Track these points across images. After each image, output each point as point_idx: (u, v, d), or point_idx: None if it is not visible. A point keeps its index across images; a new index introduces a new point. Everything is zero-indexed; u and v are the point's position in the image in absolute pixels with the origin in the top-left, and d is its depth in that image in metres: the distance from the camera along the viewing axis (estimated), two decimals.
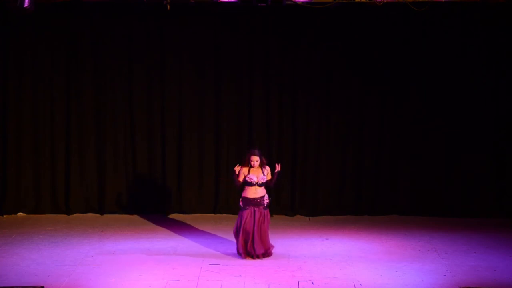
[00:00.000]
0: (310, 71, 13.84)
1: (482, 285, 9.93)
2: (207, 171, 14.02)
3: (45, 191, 14.00)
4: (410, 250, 11.69)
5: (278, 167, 11.20)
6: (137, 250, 11.65)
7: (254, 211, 11.09)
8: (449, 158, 13.83)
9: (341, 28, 13.70)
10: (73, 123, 13.93)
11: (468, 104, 13.74)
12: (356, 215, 13.86)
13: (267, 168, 11.22)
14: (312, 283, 10.09)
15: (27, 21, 13.39)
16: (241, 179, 11.13)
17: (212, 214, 14.00)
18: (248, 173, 11.10)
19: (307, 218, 13.86)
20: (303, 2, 13.11)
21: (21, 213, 13.98)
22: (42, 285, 9.82)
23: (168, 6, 12.86)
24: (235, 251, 11.32)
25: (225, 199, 13.97)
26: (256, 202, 11.11)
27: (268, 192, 11.30)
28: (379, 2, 12.90)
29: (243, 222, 11.07)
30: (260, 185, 11.11)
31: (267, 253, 11.18)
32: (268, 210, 11.23)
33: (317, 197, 13.99)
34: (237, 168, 11.13)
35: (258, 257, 11.07)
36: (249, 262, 10.99)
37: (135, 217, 13.81)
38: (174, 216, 13.91)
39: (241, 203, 11.18)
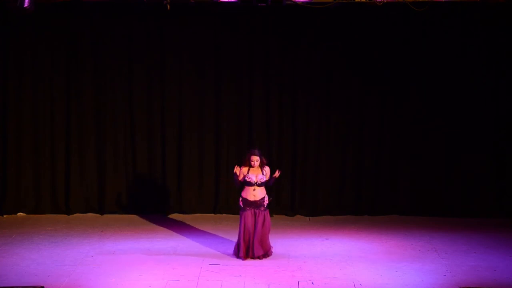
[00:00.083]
0: (310, 71, 13.84)
1: (482, 285, 9.93)
2: (207, 171, 14.02)
3: (45, 191, 14.00)
4: (410, 250, 11.69)
5: (277, 173, 11.17)
6: (137, 250, 11.65)
7: (255, 213, 11.08)
8: (449, 158, 13.83)
9: (341, 28, 13.70)
10: (73, 123, 13.93)
11: (468, 104, 13.74)
12: (356, 215, 13.86)
13: (267, 168, 11.22)
14: (312, 283, 10.09)
15: (27, 21, 13.39)
16: (240, 178, 11.13)
17: (212, 214, 14.00)
18: (248, 173, 11.10)
19: (307, 218, 13.85)
20: (303, 2, 13.11)
21: (21, 213, 13.98)
22: (42, 285, 9.82)
23: (168, 6, 12.86)
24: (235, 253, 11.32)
25: (225, 199, 13.97)
26: (257, 204, 11.10)
27: (268, 192, 11.29)
28: (379, 2, 12.90)
29: (244, 224, 11.05)
30: (259, 184, 11.11)
31: (267, 254, 11.18)
32: (268, 210, 11.22)
33: (317, 197, 13.99)
34: (236, 169, 11.12)
35: (258, 257, 11.07)
36: (249, 262, 10.98)
37: (135, 217, 13.81)
38: (174, 216, 13.91)
39: (241, 203, 11.17)
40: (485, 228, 12.96)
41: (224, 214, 13.89)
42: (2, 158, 13.91)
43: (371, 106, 13.87)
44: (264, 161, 11.24)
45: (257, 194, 11.10)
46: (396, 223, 13.41)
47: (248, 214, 11.07)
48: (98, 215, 13.97)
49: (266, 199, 11.17)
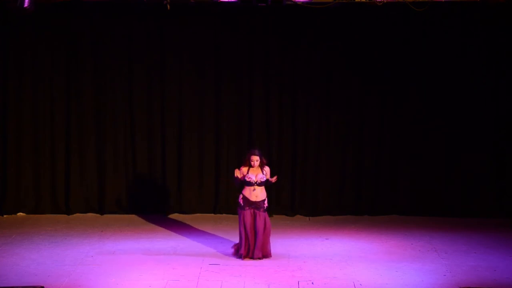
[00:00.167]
0: (310, 71, 13.84)
1: (482, 285, 9.92)
2: (207, 171, 14.02)
3: (45, 191, 14.00)
4: (410, 250, 11.69)
5: (274, 179, 11.16)
6: (137, 250, 11.64)
7: (255, 213, 11.08)
8: (449, 158, 13.83)
9: (341, 28, 13.71)
10: (73, 123, 13.93)
11: (468, 104, 13.74)
12: (356, 215, 13.86)
13: (267, 168, 11.21)
14: (312, 283, 10.09)
15: (27, 21, 13.39)
16: (240, 178, 11.12)
17: (212, 214, 14.00)
18: (248, 173, 11.09)
19: (307, 218, 13.86)
20: (303, 2, 13.11)
21: (21, 213, 13.98)
22: (42, 285, 9.81)
23: (168, 6, 12.86)
24: (234, 252, 11.32)
25: (225, 199, 13.97)
26: (257, 205, 11.09)
27: (268, 192, 11.28)
28: (379, 2, 12.90)
29: (244, 222, 11.04)
30: (259, 184, 11.10)
31: (266, 256, 11.16)
32: (267, 212, 11.20)
33: (317, 197, 13.99)
34: (237, 173, 11.12)
35: (259, 258, 11.06)
36: (249, 262, 10.98)
37: (135, 217, 13.81)
38: (174, 216, 13.91)
39: (241, 201, 11.14)
40: (485, 228, 12.96)
41: (224, 214, 13.90)
42: (2, 158, 13.91)
43: (371, 106, 13.87)
44: (264, 161, 11.23)
45: (258, 194, 11.08)
46: (396, 223, 13.41)
47: (248, 213, 11.06)
48: (98, 215, 13.97)
49: (267, 202, 11.16)
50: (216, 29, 13.79)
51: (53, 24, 13.75)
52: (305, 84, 13.87)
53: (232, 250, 11.37)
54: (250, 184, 11.08)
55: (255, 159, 11.11)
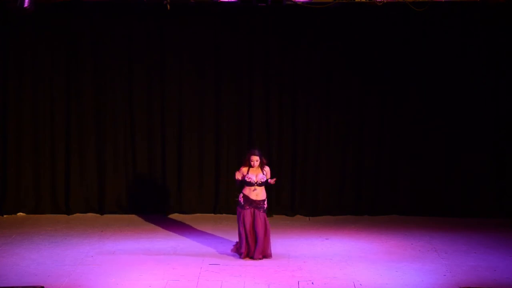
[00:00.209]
0: (310, 71, 13.85)
1: (482, 285, 9.92)
2: (207, 171, 14.02)
3: (45, 191, 14.00)
4: (410, 250, 11.69)
5: (273, 181, 11.16)
6: (137, 250, 11.64)
7: (254, 213, 11.08)
8: (449, 158, 13.83)
9: (341, 28, 13.71)
10: (73, 123, 13.93)
11: (468, 104, 13.74)
12: (356, 215, 13.86)
13: (267, 168, 11.21)
14: (312, 283, 10.09)
15: (27, 21, 13.39)
16: (240, 178, 11.12)
17: (212, 214, 14.00)
18: (248, 173, 11.09)
19: (307, 218, 13.85)
20: (303, 2, 13.11)
21: (21, 213, 13.98)
22: (42, 285, 9.82)
23: (168, 6, 12.86)
24: (235, 251, 11.32)
25: (225, 199, 13.97)
26: (257, 204, 11.09)
27: (268, 192, 11.29)
28: (379, 2, 12.90)
29: (244, 221, 11.04)
30: (260, 184, 11.10)
31: (266, 257, 11.16)
32: (265, 213, 11.20)
33: (317, 197, 13.99)
34: (238, 175, 11.12)
35: (259, 259, 11.06)
36: (249, 262, 10.98)
37: (135, 217, 13.81)
38: (174, 216, 13.91)
39: (241, 199, 11.13)
40: (485, 228, 12.96)
41: (224, 214, 13.89)
42: (2, 158, 13.91)
43: (371, 106, 13.87)
44: (264, 161, 11.23)
45: (258, 194, 11.09)
46: (396, 223, 13.41)
47: (248, 213, 11.05)
48: (98, 215, 13.97)
49: (266, 203, 11.16)
50: (216, 29, 13.79)
51: (53, 24, 13.75)
52: (305, 84, 13.87)
53: (232, 249, 11.38)
54: (250, 184, 11.08)
55: (255, 159, 11.10)
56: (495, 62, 13.67)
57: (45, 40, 13.79)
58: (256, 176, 11.08)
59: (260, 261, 11.00)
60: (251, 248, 11.08)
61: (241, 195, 11.14)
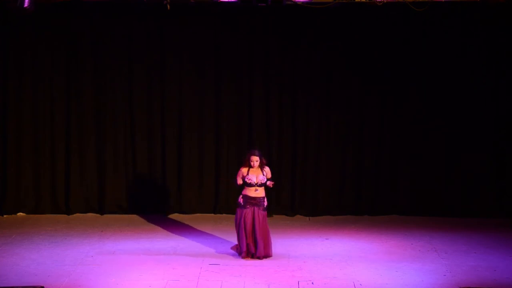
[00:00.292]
0: (310, 71, 13.85)
1: (482, 285, 9.92)
2: (207, 171, 14.02)
3: (45, 191, 14.00)
4: (410, 250, 11.69)
5: (270, 185, 11.17)
6: (137, 250, 11.64)
7: (254, 210, 11.08)
8: (449, 158, 13.83)
9: (341, 28, 13.71)
10: (73, 123, 13.93)
11: (468, 104, 13.74)
12: (356, 215, 13.86)
13: (267, 168, 11.21)
14: (312, 283, 10.09)
15: (27, 21, 13.39)
16: (240, 180, 11.13)
17: (212, 214, 14.00)
18: (248, 174, 11.09)
19: (307, 218, 13.86)
20: (303, 2, 13.11)
21: (21, 213, 13.98)
22: (42, 285, 9.81)
23: (168, 6, 12.86)
24: (235, 251, 11.32)
25: (225, 199, 13.97)
26: (257, 202, 11.10)
27: (267, 192, 11.29)
28: (379, 2, 12.90)
29: (243, 221, 11.05)
30: (260, 185, 11.11)
31: (267, 255, 11.18)
32: (266, 212, 11.21)
33: (317, 197, 13.99)
34: (238, 180, 11.13)
35: (258, 258, 11.07)
36: (249, 262, 10.98)
37: (135, 217, 13.81)
38: (174, 216, 13.91)
39: (241, 200, 11.15)
40: (485, 228, 12.96)
41: (224, 214, 13.89)
42: (2, 158, 13.91)
43: (371, 106, 13.87)
44: (264, 161, 11.23)
45: (259, 192, 11.10)
46: (396, 223, 13.41)
47: (248, 212, 11.05)
48: (98, 215, 13.97)
49: (266, 200, 11.17)
50: (216, 29, 13.79)
51: (53, 24, 13.75)
52: (305, 84, 13.87)
53: (232, 247, 11.38)
54: (250, 185, 11.08)
55: (255, 160, 11.10)
56: (495, 62, 13.67)
57: (45, 40, 13.79)
58: (256, 177, 11.08)
59: (260, 261, 11.00)
60: (251, 247, 11.07)
61: (241, 196, 11.15)
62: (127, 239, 12.31)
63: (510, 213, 13.66)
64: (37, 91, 13.88)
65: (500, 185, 13.83)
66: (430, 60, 13.70)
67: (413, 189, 13.90)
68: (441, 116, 13.77)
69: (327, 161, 13.95)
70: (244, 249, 11.09)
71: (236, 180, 11.20)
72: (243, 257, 11.08)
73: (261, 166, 11.16)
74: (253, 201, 11.08)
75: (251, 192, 11.08)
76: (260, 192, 11.11)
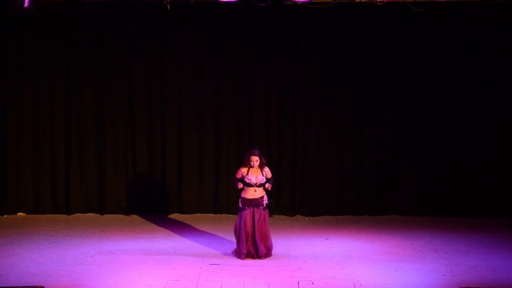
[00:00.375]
0: (310, 71, 13.84)
1: (482, 285, 9.93)
2: (207, 171, 14.01)
3: (45, 191, 14.00)
4: (410, 250, 11.69)
5: (268, 187, 11.17)
6: (137, 250, 11.65)
7: (253, 211, 11.09)
8: (449, 158, 13.83)
9: (341, 28, 13.70)
10: (73, 123, 13.93)
11: (468, 104, 13.73)
12: (356, 215, 13.86)
13: (267, 168, 11.22)
14: (312, 283, 10.09)
15: (27, 21, 13.39)
16: (240, 184, 11.13)
17: (212, 214, 14.00)
18: (247, 174, 11.09)
19: (307, 218, 13.85)
20: (303, 2, 13.11)
21: (21, 213, 13.98)
22: (42, 285, 9.82)
23: (168, 6, 12.86)
24: (234, 255, 11.31)
25: (225, 199, 13.97)
26: (255, 202, 11.11)
27: (267, 193, 11.30)
28: (379, 2, 12.90)
29: (243, 223, 11.06)
30: (259, 185, 11.11)
31: (268, 254, 11.18)
32: (267, 210, 11.23)
33: (317, 197, 13.98)
34: (239, 185, 11.14)
35: (259, 257, 11.07)
36: (249, 262, 10.99)
37: (135, 217, 13.81)
38: (174, 216, 13.91)
39: (240, 204, 11.19)
40: (485, 228, 12.96)
41: (224, 214, 13.89)
42: (2, 158, 13.91)
43: (371, 106, 13.87)
44: (264, 161, 11.24)
45: (256, 192, 11.11)
46: (396, 223, 13.41)
47: (247, 213, 11.07)
48: (98, 215, 13.97)
49: (266, 198, 11.17)
50: (216, 29, 13.79)
51: (53, 24, 13.74)
52: (305, 84, 13.87)
53: (233, 251, 11.38)
54: (249, 185, 11.09)
55: (255, 160, 11.11)
56: (495, 62, 13.67)
57: (45, 40, 13.79)
58: (255, 177, 11.09)
59: (260, 261, 11.01)
60: (251, 250, 11.08)
61: (240, 199, 11.16)
62: (127, 239, 12.32)
63: (510, 213, 13.66)
64: (37, 91, 13.88)
65: (500, 185, 13.83)
66: (430, 60, 13.69)
67: (413, 189, 13.90)
68: (441, 116, 13.77)
69: (327, 161, 13.95)
70: (244, 251, 11.09)
71: (237, 185, 11.20)
72: (242, 259, 11.08)
73: (261, 166, 11.17)
74: (252, 203, 11.08)
75: (249, 194, 11.09)
76: (259, 193, 11.11)
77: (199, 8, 13.51)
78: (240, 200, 11.20)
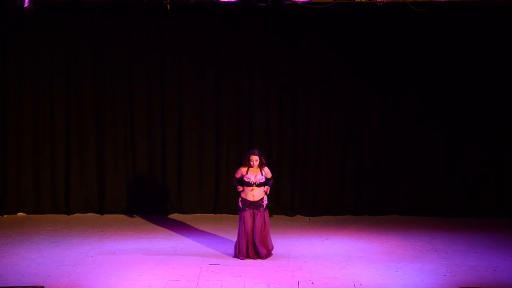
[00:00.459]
0: (310, 71, 13.84)
1: (482, 285, 9.93)
2: (207, 171, 14.02)
3: (45, 191, 14.00)
4: (410, 250, 11.69)
5: (267, 190, 11.17)
6: (137, 250, 11.65)
7: (254, 213, 11.09)
8: (449, 158, 13.83)
9: (341, 28, 13.70)
10: (73, 123, 13.93)
11: (468, 104, 13.74)
12: (356, 215, 13.86)
13: (266, 168, 11.22)
14: (312, 283, 10.09)
15: (27, 21, 13.39)
16: (240, 187, 11.13)
17: (212, 214, 14.00)
18: (247, 173, 11.10)
19: (307, 218, 13.85)
20: (303, 2, 13.11)
21: (21, 213, 13.98)
22: (42, 285, 9.82)
23: (168, 6, 12.86)
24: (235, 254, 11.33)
25: (225, 199, 13.97)
26: (256, 204, 11.10)
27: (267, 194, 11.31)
28: (379, 2, 12.90)
29: (244, 224, 11.06)
30: (258, 185, 11.11)
31: (269, 254, 11.18)
32: (267, 211, 11.23)
33: (317, 197, 13.98)
34: (239, 188, 11.14)
35: (260, 257, 11.07)
36: (249, 262, 10.99)
37: (135, 217, 13.81)
38: (174, 216, 13.91)
39: (240, 204, 11.18)
40: (485, 228, 12.96)
41: (224, 214, 13.89)
42: (2, 158, 13.91)
43: (371, 106, 13.87)
44: (264, 161, 11.24)
45: (255, 194, 11.11)
46: (396, 223, 13.41)
47: (247, 214, 11.08)
48: (98, 215, 13.97)
49: (266, 199, 11.17)
50: (216, 29, 13.79)
51: (53, 24, 13.75)
52: (305, 84, 13.87)
53: (231, 251, 11.38)
54: (249, 184, 11.10)
55: (255, 159, 11.11)
56: (495, 62, 13.67)
57: (45, 40, 13.79)
58: (255, 176, 11.09)
59: (260, 261, 11.01)
60: (251, 252, 11.08)
61: (240, 199, 11.16)
62: (127, 239, 12.32)
63: (510, 213, 13.66)
64: (37, 91, 13.88)
65: (500, 185, 13.83)
66: (430, 60, 13.70)
67: (413, 189, 13.90)
68: (441, 116, 13.77)
69: (327, 161, 13.95)
70: (244, 252, 11.09)
71: (237, 187, 11.20)
72: (242, 259, 11.08)
73: (261, 166, 11.17)
74: (252, 205, 11.08)
75: (249, 195, 11.09)
76: (258, 195, 11.09)
77: (199, 8, 13.51)
78: (240, 200, 11.20)
